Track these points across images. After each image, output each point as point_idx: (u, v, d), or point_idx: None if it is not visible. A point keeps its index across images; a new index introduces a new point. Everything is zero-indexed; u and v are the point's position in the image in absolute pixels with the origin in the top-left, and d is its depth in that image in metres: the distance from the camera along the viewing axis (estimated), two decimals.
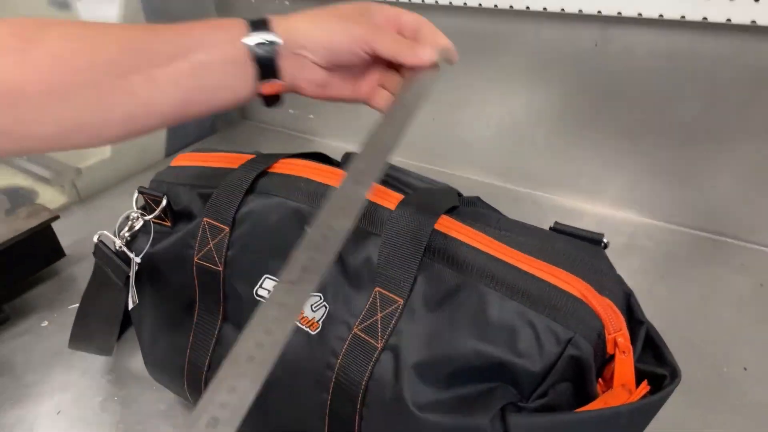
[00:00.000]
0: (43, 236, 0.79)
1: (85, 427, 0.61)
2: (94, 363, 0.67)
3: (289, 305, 0.29)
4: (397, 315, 0.41)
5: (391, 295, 0.42)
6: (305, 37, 0.44)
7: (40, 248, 0.79)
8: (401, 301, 0.41)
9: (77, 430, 0.60)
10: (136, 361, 0.66)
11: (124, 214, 0.54)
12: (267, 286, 0.48)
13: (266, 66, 0.44)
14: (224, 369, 0.26)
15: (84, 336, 0.62)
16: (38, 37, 0.38)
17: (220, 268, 0.50)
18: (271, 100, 0.47)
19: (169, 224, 0.54)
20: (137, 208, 0.55)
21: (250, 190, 0.50)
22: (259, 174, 0.50)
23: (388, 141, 0.38)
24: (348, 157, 0.53)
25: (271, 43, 0.43)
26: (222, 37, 0.43)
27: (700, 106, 0.70)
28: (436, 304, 0.41)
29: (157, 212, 0.54)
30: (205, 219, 0.50)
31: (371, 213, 0.45)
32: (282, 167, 0.51)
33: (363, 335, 0.42)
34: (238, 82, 0.44)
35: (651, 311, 0.43)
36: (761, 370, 0.59)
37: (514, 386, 0.39)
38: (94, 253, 0.56)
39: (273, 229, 0.48)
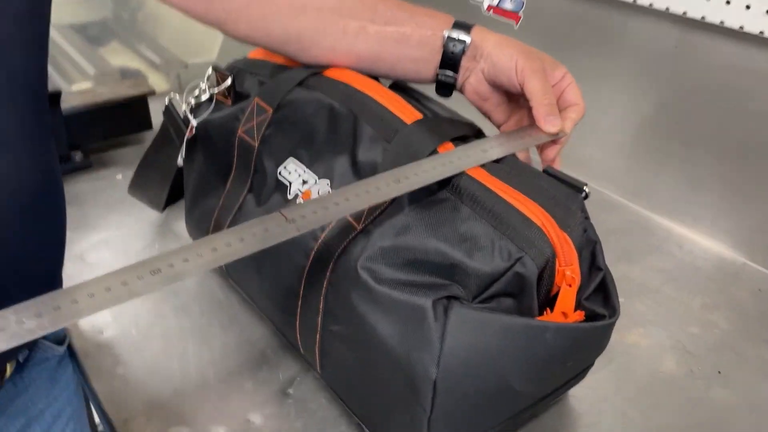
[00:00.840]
0: (138, 105, 0.90)
1: (124, 260, 0.70)
2: (149, 217, 0.77)
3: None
4: (381, 208, 0.47)
5: None
6: (487, 49, 0.53)
7: (133, 115, 0.90)
8: (389, 200, 0.47)
9: (117, 261, 0.70)
10: (181, 226, 0.75)
11: (193, 83, 0.62)
12: (290, 167, 0.55)
13: (449, 59, 0.53)
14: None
15: (141, 185, 0.72)
16: None
17: (256, 144, 0.57)
18: (443, 89, 0.56)
19: (229, 102, 0.62)
20: (208, 83, 0.63)
21: (300, 84, 0.56)
22: (312, 73, 0.57)
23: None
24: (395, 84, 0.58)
25: (462, 42, 0.53)
26: (430, 23, 0.54)
27: (757, 125, 0.69)
28: (418, 206, 0.46)
29: (221, 88, 0.61)
30: (256, 98, 0.57)
31: (387, 121, 0.50)
32: (332, 72, 0.57)
33: (350, 219, 0.48)
34: (422, 63, 0.54)
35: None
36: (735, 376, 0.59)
37: (465, 288, 0.43)
38: (164, 112, 0.64)
39: (306, 119, 0.54)
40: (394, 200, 0.47)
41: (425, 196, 0.46)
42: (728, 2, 0.67)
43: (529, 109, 0.52)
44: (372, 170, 0.49)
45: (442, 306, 0.42)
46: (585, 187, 0.46)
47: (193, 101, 0.62)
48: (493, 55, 0.52)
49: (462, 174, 0.46)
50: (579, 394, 0.56)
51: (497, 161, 0.48)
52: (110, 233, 0.75)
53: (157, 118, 0.92)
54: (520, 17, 0.60)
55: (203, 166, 0.63)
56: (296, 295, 0.50)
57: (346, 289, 0.45)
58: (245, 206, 0.58)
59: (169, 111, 0.64)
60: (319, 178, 0.52)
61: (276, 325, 0.57)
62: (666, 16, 0.74)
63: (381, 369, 0.45)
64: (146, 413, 0.53)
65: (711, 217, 0.77)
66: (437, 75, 0.55)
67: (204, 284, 0.67)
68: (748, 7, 0.65)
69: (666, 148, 0.80)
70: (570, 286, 0.42)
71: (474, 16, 0.56)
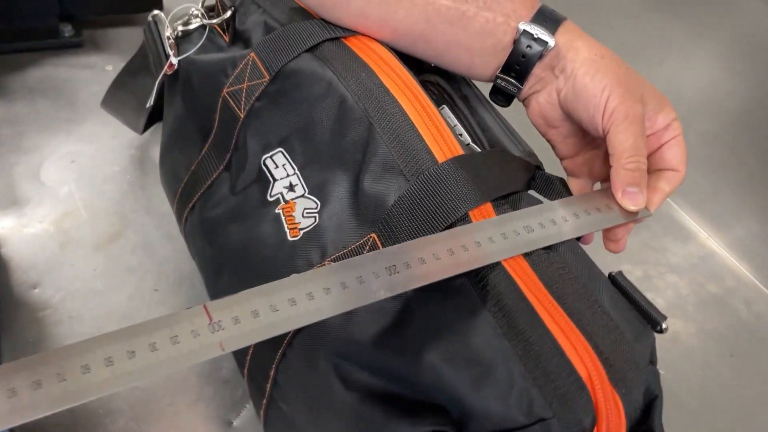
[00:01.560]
0: None
1: (88, 187, 0.59)
2: (127, 134, 0.64)
3: None
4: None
5: (379, 238, 0.34)
6: (573, 65, 0.36)
7: None
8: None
9: (79, 187, 0.59)
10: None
11: (183, 7, 0.47)
12: (277, 160, 0.41)
13: (518, 62, 0.38)
14: None
15: (115, 105, 0.58)
16: None
17: (241, 115, 0.43)
18: (500, 96, 0.42)
19: (227, 39, 0.47)
20: (204, 8, 0.47)
21: (312, 49, 0.41)
22: (331, 38, 0.41)
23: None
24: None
25: (543, 43, 0.37)
26: (504, 5, 0.37)
27: None
28: (418, 290, 0.33)
29: (218, 20, 0.46)
30: (252, 54, 0.42)
31: (410, 148, 0.36)
32: (358, 44, 0.41)
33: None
34: (480, 56, 0.39)
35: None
36: None
37: (454, 426, 0.31)
38: (145, 31, 0.50)
39: (310, 102, 0.40)
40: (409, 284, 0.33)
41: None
42: None
43: (607, 157, 0.37)
44: (377, 209, 0.36)
45: None
46: (664, 323, 0.32)
47: (180, 28, 0.47)
48: (579, 76, 0.36)
49: (496, 264, 0.32)
50: None
51: (548, 248, 0.34)
52: (80, 147, 0.63)
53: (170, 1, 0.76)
54: None
55: (182, 114, 0.49)
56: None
57: (304, 376, 0.34)
58: (217, 186, 0.45)
59: (151, 31, 0.49)
60: (308, 193, 0.39)
61: None
62: None
63: None
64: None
65: None
66: (496, 78, 0.39)
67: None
68: None
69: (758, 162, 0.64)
70: None
71: None
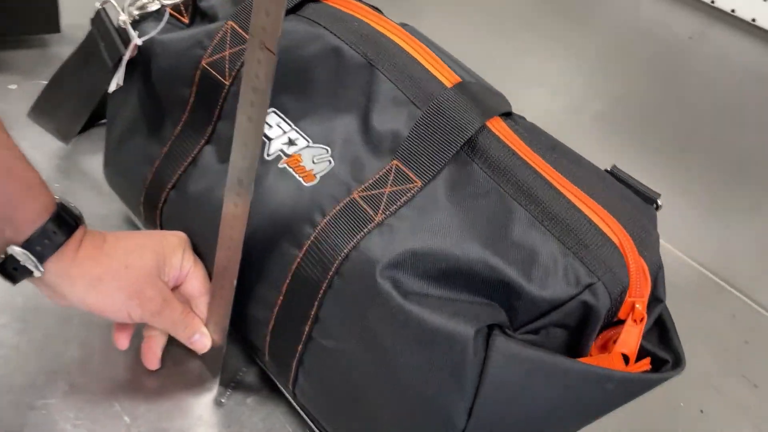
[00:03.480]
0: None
1: None
2: (48, 144, 0.60)
3: None
4: (408, 196, 0.36)
5: (409, 173, 0.36)
6: (74, 298, 0.37)
7: (37, 12, 0.72)
8: (419, 184, 0.36)
9: None
10: (91, 162, 0.60)
11: None
12: (270, 120, 0.42)
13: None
14: None
15: (49, 109, 0.55)
16: None
17: (227, 82, 0.43)
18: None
19: (185, 20, 0.47)
20: None
21: (294, 10, 0.43)
22: None
23: None
24: None
25: (27, 272, 0.34)
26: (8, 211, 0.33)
27: (759, 139, 0.65)
28: (457, 199, 0.35)
29: (175, 0, 0.47)
30: (230, 22, 0.43)
31: (418, 79, 0.39)
32: (338, 1, 0.44)
33: (362, 203, 0.36)
34: None
35: None
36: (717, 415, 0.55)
37: (509, 312, 0.34)
38: (92, 20, 0.49)
39: (303, 61, 0.41)
40: (424, 187, 0.36)
41: (463, 187, 0.36)
42: None
43: None
44: (393, 142, 0.38)
45: (482, 337, 0.33)
46: (658, 199, 0.37)
47: (136, 12, 0.47)
48: (88, 304, 0.37)
49: (514, 160, 0.36)
50: None
51: (551, 149, 0.38)
52: None
53: (68, 18, 0.74)
54: None
55: (143, 99, 0.48)
56: (277, 289, 0.38)
57: (358, 301, 0.35)
58: (202, 160, 0.44)
59: (101, 19, 0.48)
60: (313, 142, 0.40)
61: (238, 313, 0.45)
62: (687, 2, 0.66)
63: (391, 405, 0.35)
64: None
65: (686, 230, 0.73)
66: None
67: None
68: None
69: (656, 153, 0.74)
70: (636, 321, 0.34)
71: None
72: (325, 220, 0.37)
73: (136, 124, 0.49)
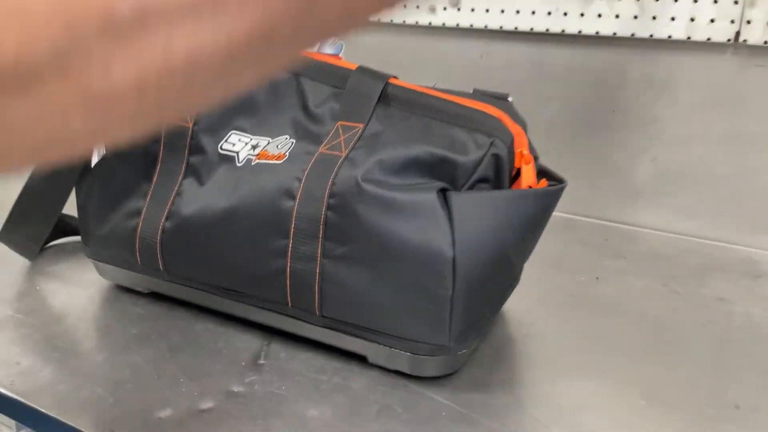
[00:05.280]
0: None
1: None
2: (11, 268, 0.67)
3: None
4: (358, 135, 0.51)
5: (352, 123, 0.52)
6: None
7: None
8: (361, 126, 0.52)
9: None
10: (61, 268, 0.68)
11: None
12: (232, 140, 0.56)
13: None
14: None
15: (16, 224, 0.64)
16: None
17: (189, 125, 0.57)
18: None
19: None
20: None
21: None
22: None
23: None
24: None
25: None
26: None
27: (558, 105, 0.90)
28: (390, 126, 0.52)
29: None
30: None
31: (332, 72, 0.56)
32: None
33: (328, 151, 0.51)
34: None
35: None
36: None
37: (451, 181, 0.49)
38: None
39: (244, 96, 0.57)
40: (365, 129, 0.52)
41: (390, 120, 0.52)
42: (518, 11, 0.87)
43: None
44: (331, 116, 0.54)
45: (442, 196, 0.48)
46: (509, 97, 0.56)
47: None
48: None
49: (415, 95, 0.53)
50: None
51: (433, 87, 0.56)
52: None
53: None
54: (342, 58, 0.69)
55: (115, 171, 0.59)
56: (284, 237, 0.51)
57: (351, 205, 0.48)
58: (185, 191, 0.56)
59: None
60: (272, 138, 0.55)
61: (246, 297, 0.55)
62: (471, 31, 0.92)
63: (398, 269, 0.48)
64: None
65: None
66: None
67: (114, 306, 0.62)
68: (533, 12, 0.86)
69: None
70: (528, 164, 0.52)
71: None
72: (305, 174, 0.51)
73: (113, 194, 0.60)
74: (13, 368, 0.52)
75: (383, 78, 0.55)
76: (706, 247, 0.80)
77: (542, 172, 0.55)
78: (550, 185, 0.52)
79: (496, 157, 0.50)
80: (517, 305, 0.63)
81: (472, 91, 0.57)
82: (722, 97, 0.79)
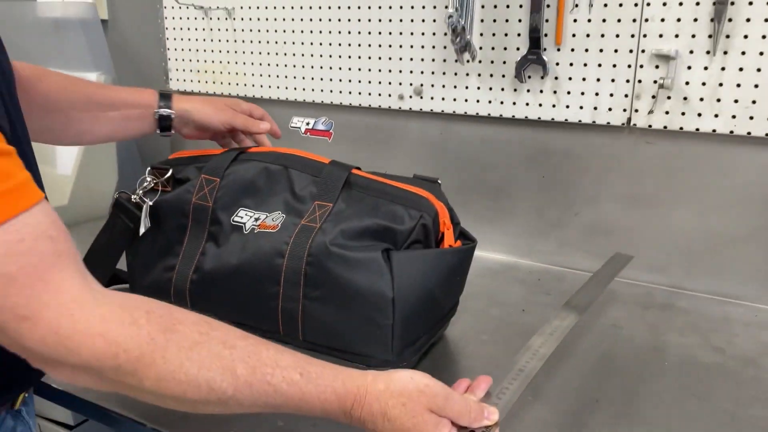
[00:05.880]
0: None
1: None
2: None
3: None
4: (328, 211, 0.73)
5: (325, 203, 0.75)
6: (191, 116, 0.86)
7: None
8: (331, 205, 0.74)
9: None
10: None
11: (141, 178, 0.83)
12: (240, 214, 0.78)
13: (164, 127, 0.86)
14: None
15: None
16: None
17: (210, 204, 0.79)
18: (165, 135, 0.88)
19: (169, 189, 0.83)
20: (148, 178, 0.84)
21: (234, 159, 0.81)
22: (240, 152, 0.83)
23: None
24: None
25: (167, 116, 0.86)
26: (143, 102, 0.85)
27: (501, 172, 1.12)
28: (351, 205, 0.74)
29: (164, 177, 0.83)
30: (203, 175, 0.81)
31: (311, 165, 0.78)
32: (255, 149, 0.83)
33: (307, 223, 0.73)
34: (145, 129, 0.87)
35: None
36: None
37: (392, 243, 0.71)
38: (114, 205, 0.83)
39: (248, 179, 0.79)
40: (333, 207, 0.74)
41: (350, 200, 0.74)
42: (477, 100, 1.10)
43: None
44: (310, 197, 0.76)
45: (385, 254, 0.70)
46: (439, 180, 0.78)
47: (140, 192, 0.82)
48: (198, 119, 0.87)
49: (368, 181, 0.75)
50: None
51: (384, 175, 0.79)
52: None
53: None
54: (332, 133, 0.93)
55: (156, 236, 0.82)
56: (277, 285, 0.72)
57: (323, 262, 0.70)
58: (207, 251, 0.78)
59: (120, 203, 0.82)
60: (269, 213, 0.77)
61: (251, 328, 0.77)
62: (431, 114, 1.15)
63: (355, 306, 0.69)
64: None
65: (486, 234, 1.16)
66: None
67: None
68: (490, 101, 1.09)
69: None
70: (448, 229, 0.73)
71: (294, 135, 0.88)
72: (291, 239, 0.73)
73: (154, 254, 0.82)
74: None
75: (347, 168, 0.77)
76: (614, 284, 1.01)
77: (461, 234, 0.77)
78: (464, 244, 0.73)
79: (424, 226, 0.72)
80: (455, 330, 0.85)
81: (412, 176, 0.80)
82: (622, 165, 1.01)
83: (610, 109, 0.99)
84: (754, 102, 0.89)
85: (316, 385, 0.52)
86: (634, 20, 0.94)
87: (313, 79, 1.24)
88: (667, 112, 0.95)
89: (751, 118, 0.90)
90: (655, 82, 0.94)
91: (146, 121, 0.86)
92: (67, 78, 0.83)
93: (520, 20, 1.02)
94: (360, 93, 1.20)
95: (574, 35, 0.99)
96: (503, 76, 1.06)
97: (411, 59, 1.14)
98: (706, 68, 0.91)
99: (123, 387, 0.48)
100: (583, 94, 1.00)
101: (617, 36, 0.96)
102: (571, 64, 1.00)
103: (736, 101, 0.90)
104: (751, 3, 0.87)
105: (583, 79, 1.00)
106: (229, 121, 0.88)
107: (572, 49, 1.00)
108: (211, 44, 1.33)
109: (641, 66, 0.95)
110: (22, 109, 0.62)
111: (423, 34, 1.12)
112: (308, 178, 0.78)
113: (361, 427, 0.53)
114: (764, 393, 0.73)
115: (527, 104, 1.05)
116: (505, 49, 1.05)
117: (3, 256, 0.43)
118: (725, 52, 0.89)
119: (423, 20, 1.11)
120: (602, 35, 0.97)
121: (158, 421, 0.66)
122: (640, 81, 0.96)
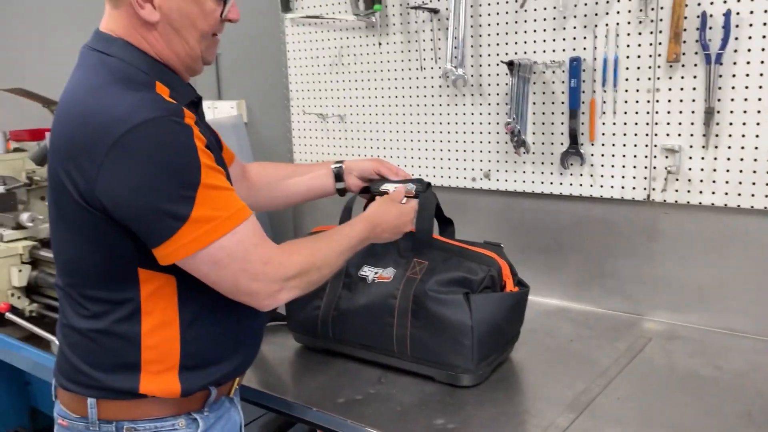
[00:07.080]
0: None
1: None
2: None
3: None
4: (425, 267, 1.09)
5: (422, 261, 1.10)
6: (351, 168, 1.21)
7: None
8: (427, 263, 1.09)
9: None
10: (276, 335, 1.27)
11: None
12: (365, 270, 1.14)
13: (338, 176, 1.22)
14: None
15: None
16: None
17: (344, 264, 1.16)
18: (341, 192, 1.23)
19: None
20: None
21: None
22: None
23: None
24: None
25: (340, 169, 1.21)
26: (324, 169, 1.22)
27: (554, 235, 1.43)
28: (440, 263, 1.08)
29: None
30: None
31: (412, 235, 1.14)
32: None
33: (411, 275, 1.08)
34: (327, 184, 1.21)
35: None
36: None
37: (470, 289, 1.05)
38: None
39: (370, 245, 1.15)
40: (429, 264, 1.09)
41: (440, 259, 1.09)
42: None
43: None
44: (412, 256, 1.11)
45: (466, 297, 1.04)
46: (501, 244, 1.12)
47: None
48: (357, 169, 1.21)
49: (450, 246, 1.10)
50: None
51: (462, 240, 1.13)
52: None
53: None
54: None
55: None
56: (391, 316, 1.07)
57: (424, 302, 1.05)
58: (342, 296, 1.15)
59: None
60: (384, 269, 1.13)
61: (373, 348, 1.12)
62: (497, 192, 1.49)
63: (446, 332, 1.03)
64: None
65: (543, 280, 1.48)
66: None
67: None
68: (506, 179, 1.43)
69: None
70: (509, 279, 1.07)
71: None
72: (401, 286, 1.08)
73: (305, 300, 1.18)
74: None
75: (432, 241, 1.12)
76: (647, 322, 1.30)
77: (519, 282, 1.10)
78: (520, 289, 1.07)
79: (492, 277, 1.06)
80: (518, 353, 1.16)
81: (483, 242, 1.15)
82: (644, 232, 1.32)
83: (633, 188, 1.30)
84: (740, 183, 1.19)
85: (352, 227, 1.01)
86: (647, 123, 1.27)
87: (406, 166, 1.61)
88: (676, 190, 1.26)
89: (739, 194, 1.19)
90: (665, 168, 1.26)
91: (327, 179, 1.22)
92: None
93: (562, 123, 1.37)
94: (442, 176, 1.56)
95: (603, 134, 1.32)
96: (552, 163, 1.40)
97: (481, 151, 1.49)
98: (702, 158, 1.22)
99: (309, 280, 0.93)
100: (612, 177, 1.32)
101: (635, 135, 1.29)
102: (602, 155, 1.33)
103: (727, 182, 1.20)
104: (732, 112, 1.18)
105: (612, 166, 1.32)
106: (378, 167, 1.21)
107: (602, 144, 1.33)
108: (327, 141, 1.74)
109: (655, 156, 1.27)
110: None
111: (489, 133, 1.48)
112: (410, 244, 1.14)
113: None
114: None
115: (570, 184, 1.38)
116: (552, 143, 1.39)
117: (236, 243, 0.83)
118: (716, 147, 1.20)
119: (489, 123, 1.47)
120: (624, 134, 1.30)
121: (323, 406, 1.02)
122: (654, 167, 1.27)
